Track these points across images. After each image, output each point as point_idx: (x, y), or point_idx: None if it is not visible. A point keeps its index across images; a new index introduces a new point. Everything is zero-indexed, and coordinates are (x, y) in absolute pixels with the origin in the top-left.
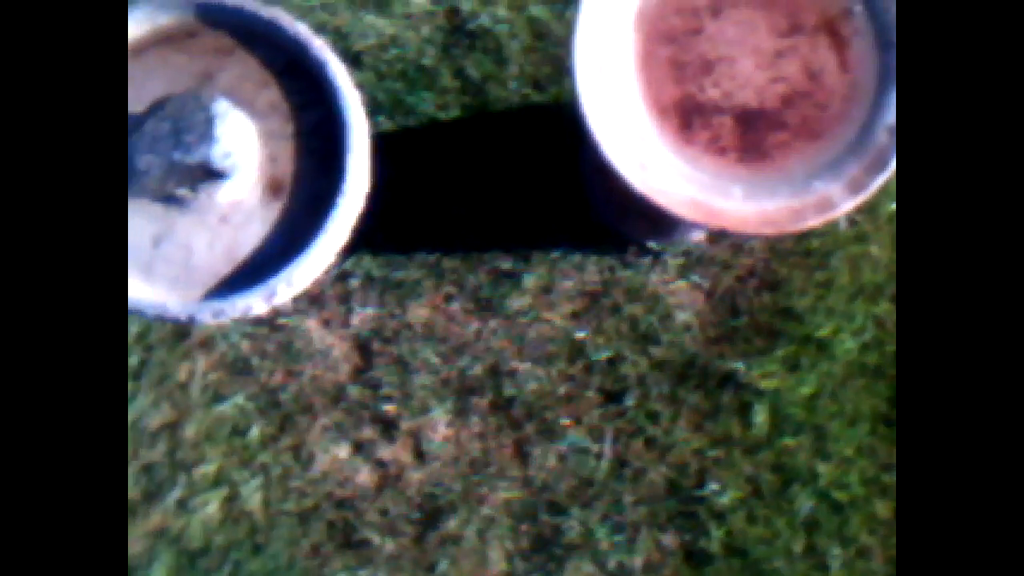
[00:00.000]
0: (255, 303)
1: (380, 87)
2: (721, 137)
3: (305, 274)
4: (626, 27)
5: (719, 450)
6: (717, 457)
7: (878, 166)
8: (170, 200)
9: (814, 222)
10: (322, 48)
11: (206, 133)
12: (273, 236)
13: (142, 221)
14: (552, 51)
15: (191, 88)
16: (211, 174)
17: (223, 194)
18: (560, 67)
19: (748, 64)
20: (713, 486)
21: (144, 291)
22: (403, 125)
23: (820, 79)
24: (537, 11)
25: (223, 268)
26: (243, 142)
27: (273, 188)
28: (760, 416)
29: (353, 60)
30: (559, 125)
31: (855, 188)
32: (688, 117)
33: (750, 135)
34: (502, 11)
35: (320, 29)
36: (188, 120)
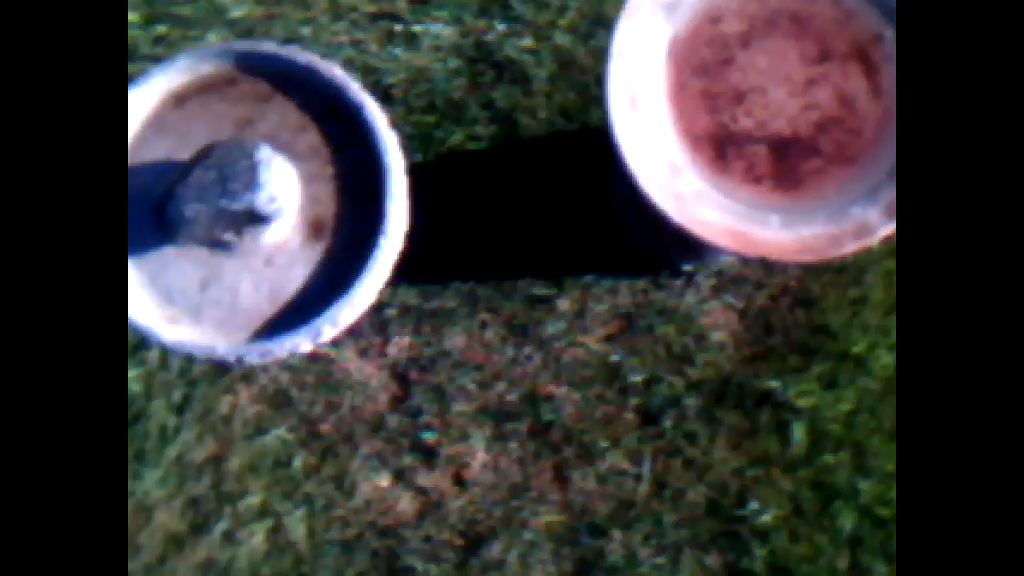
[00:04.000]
0: (301, 343)
1: (410, 121)
2: (756, 166)
3: (349, 314)
4: (657, 59)
5: (758, 469)
6: (757, 476)
7: None
8: (216, 245)
9: (852, 248)
10: (359, 91)
11: (251, 180)
12: (316, 276)
13: (189, 266)
14: (578, 79)
15: (233, 135)
16: (256, 219)
17: (267, 237)
18: (586, 95)
19: (780, 93)
20: (754, 505)
21: (193, 334)
22: (434, 157)
23: (853, 105)
24: (562, 40)
25: (268, 309)
26: (286, 186)
27: (315, 229)
28: (798, 434)
29: (383, 95)
30: (588, 151)
31: (892, 212)
32: (722, 147)
33: (785, 163)
34: (528, 41)
35: (349, 65)
36: (233, 168)
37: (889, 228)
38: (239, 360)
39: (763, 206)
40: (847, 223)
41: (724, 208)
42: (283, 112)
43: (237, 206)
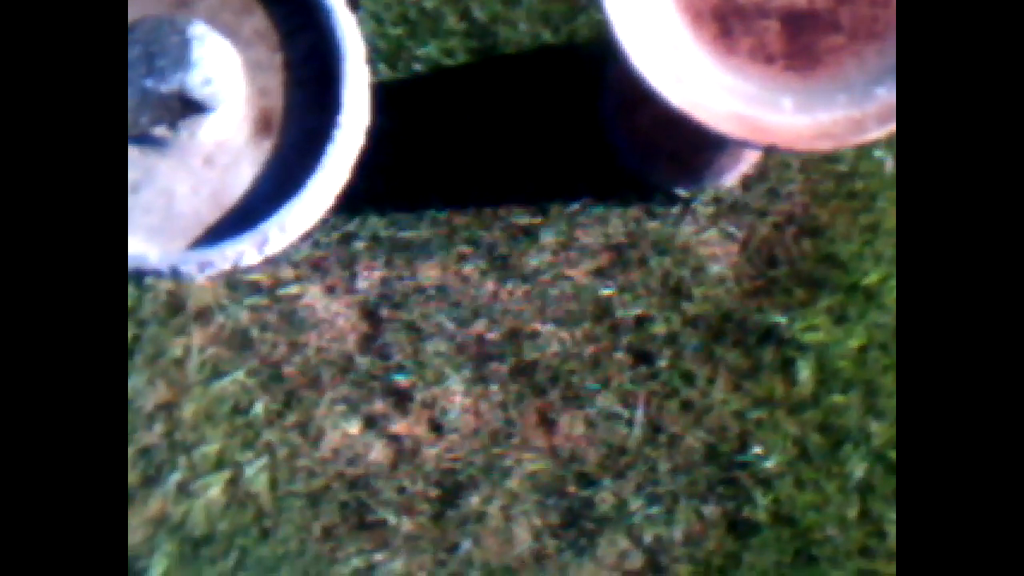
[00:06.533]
0: (246, 251)
1: (380, 33)
2: (767, 43)
3: (300, 218)
4: None
5: (761, 411)
6: (759, 419)
7: None
8: (147, 141)
9: (877, 133)
10: None
11: (182, 57)
12: (264, 178)
13: None
14: None
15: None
16: (190, 106)
17: (206, 132)
18: (573, 3)
19: None
20: (756, 450)
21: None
22: (406, 74)
23: None
24: None
25: (209, 215)
26: (224, 69)
27: (263, 125)
28: (805, 373)
29: (350, 4)
30: (574, 66)
31: None
32: (727, 23)
33: (800, 40)
34: None
35: None
36: (161, 44)
37: None
38: (173, 271)
39: (774, 88)
40: (870, 105)
41: (730, 91)
42: None
43: (166, 87)
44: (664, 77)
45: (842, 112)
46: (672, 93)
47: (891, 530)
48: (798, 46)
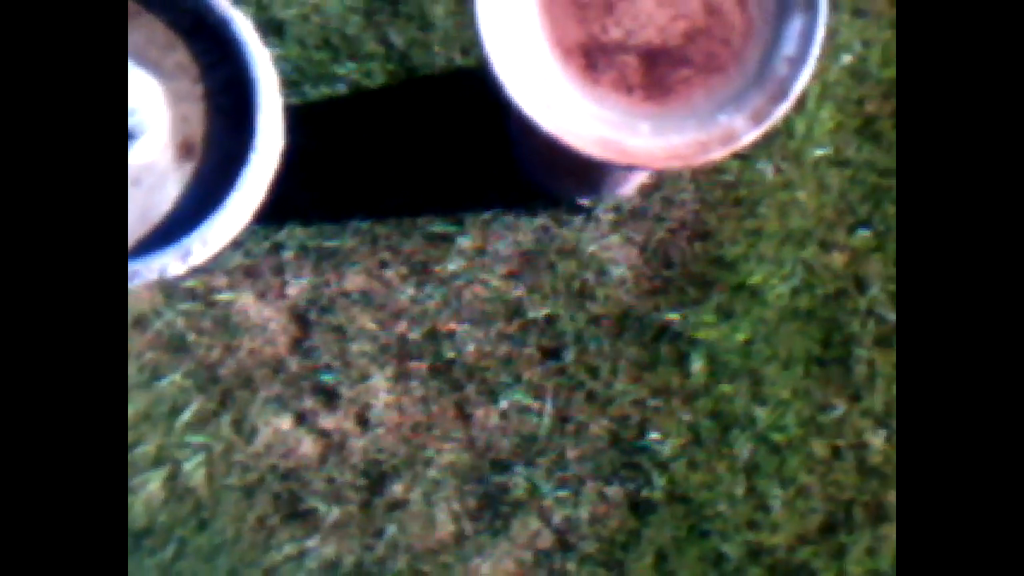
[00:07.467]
0: (170, 263)
1: (304, 57)
2: (627, 76)
3: (220, 233)
4: None
5: (658, 400)
6: (657, 407)
7: (779, 96)
8: None
9: (719, 154)
10: (226, 6)
11: None
12: (187, 198)
13: None
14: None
15: None
16: None
17: (133, 156)
18: None
19: (649, 3)
20: (654, 436)
21: None
22: (328, 95)
23: (720, 15)
24: None
25: (137, 231)
26: (148, 100)
27: (185, 149)
28: (697, 365)
29: (276, 30)
30: (485, 88)
31: (758, 119)
32: (593, 57)
33: (655, 72)
34: None
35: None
36: None
37: (754, 134)
38: None
39: (634, 115)
40: (714, 130)
41: (595, 118)
42: (148, 30)
43: None
44: (536, 105)
45: (691, 135)
46: (543, 119)
47: (775, 504)
48: (653, 78)
